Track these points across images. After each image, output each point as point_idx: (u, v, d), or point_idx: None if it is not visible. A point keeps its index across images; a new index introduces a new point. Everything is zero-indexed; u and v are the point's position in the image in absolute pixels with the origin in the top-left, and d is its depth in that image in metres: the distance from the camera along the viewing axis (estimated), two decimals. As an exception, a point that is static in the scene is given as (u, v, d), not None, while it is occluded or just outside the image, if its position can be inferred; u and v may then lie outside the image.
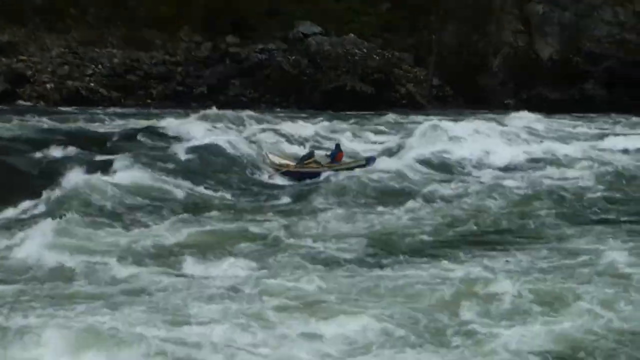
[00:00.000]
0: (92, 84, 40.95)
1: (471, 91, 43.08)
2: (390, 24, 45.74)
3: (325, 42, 41.58)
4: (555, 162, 23.58)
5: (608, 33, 42.93)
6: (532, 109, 39.25)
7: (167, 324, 9.54)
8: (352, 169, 21.63)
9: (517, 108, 40.30)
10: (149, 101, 41.07)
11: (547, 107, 40.42)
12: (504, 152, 26.16)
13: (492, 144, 27.29)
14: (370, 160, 22.42)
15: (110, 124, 31.34)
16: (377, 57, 41.68)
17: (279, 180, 21.76)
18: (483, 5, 44.30)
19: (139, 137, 26.07)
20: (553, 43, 43.05)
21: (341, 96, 40.19)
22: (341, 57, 41.05)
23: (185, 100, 40.65)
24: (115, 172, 18.92)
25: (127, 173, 18.83)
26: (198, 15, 43.07)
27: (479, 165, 23.78)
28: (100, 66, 41.84)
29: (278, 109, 39.56)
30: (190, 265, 12.41)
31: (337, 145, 23.88)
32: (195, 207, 17.07)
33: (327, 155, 23.20)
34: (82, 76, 41.19)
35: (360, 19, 45.58)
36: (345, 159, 23.11)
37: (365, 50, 41.52)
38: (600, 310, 10.16)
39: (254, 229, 14.87)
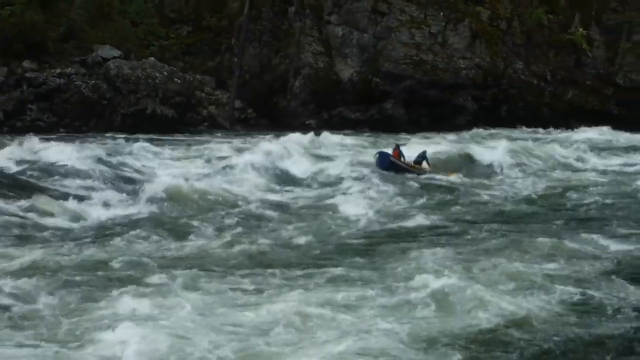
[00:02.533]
0: None
1: (273, 113, 43.59)
2: (191, 47, 45.86)
3: (124, 66, 41.12)
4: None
5: (405, 54, 43.90)
6: (333, 128, 40.12)
7: None
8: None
9: (319, 128, 41.06)
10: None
11: (348, 127, 41.34)
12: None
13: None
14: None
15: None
16: (178, 80, 41.51)
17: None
18: (283, 28, 44.87)
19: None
20: (353, 64, 43.85)
21: (142, 119, 39.90)
22: (141, 80, 40.69)
23: (-20, 127, 39.36)
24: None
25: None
26: (-9, 40, 41.76)
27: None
28: None
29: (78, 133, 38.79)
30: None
31: (397, 147, 27.56)
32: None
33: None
34: None
35: (160, 43, 45.42)
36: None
37: (165, 73, 41.27)
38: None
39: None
